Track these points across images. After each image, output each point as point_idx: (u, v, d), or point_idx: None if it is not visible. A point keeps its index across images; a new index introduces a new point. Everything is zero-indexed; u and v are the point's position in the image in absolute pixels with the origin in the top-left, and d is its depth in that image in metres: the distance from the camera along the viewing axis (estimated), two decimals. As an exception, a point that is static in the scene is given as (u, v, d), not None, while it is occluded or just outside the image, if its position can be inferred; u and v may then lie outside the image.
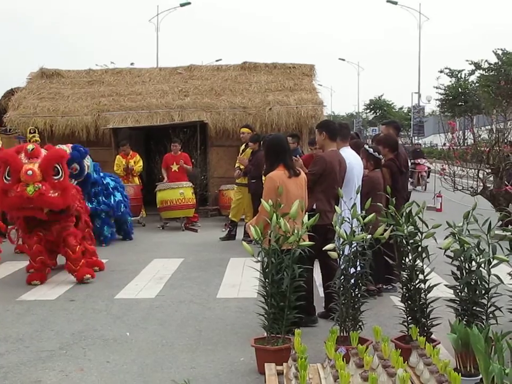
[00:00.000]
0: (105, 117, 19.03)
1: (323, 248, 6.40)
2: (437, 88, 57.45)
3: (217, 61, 45.18)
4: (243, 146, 14.48)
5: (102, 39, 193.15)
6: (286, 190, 6.84)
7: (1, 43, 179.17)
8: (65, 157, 10.15)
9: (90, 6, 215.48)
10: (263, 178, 10.88)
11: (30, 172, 9.37)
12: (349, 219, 6.40)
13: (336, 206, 6.73)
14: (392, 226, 6.28)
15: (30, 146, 9.83)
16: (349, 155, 8.44)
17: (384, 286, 9.02)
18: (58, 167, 9.80)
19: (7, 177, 9.62)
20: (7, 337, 7.32)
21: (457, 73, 56.28)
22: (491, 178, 15.00)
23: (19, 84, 21.47)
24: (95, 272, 10.48)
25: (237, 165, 14.54)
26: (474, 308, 5.97)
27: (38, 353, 6.76)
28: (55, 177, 9.72)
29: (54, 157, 9.88)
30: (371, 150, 8.95)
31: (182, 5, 51.71)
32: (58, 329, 7.61)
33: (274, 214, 6.21)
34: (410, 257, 6.24)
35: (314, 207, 7.58)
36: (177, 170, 16.44)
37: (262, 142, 11.83)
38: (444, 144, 16.44)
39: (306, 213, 6.66)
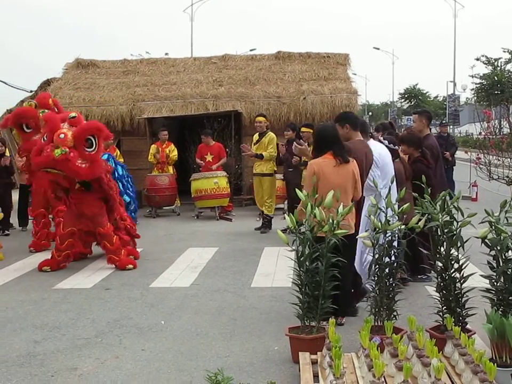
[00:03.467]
0: (140, 107, 19.10)
1: (356, 237, 6.39)
2: (472, 77, 56.78)
3: (251, 50, 45.28)
4: (256, 135, 14.44)
5: (137, 29, 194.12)
6: (325, 178, 6.82)
7: (39, 35, 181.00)
8: (103, 130, 10.10)
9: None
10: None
11: (62, 135, 9.48)
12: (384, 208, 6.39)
13: (371, 197, 6.68)
14: (427, 215, 6.24)
15: (72, 114, 9.96)
16: (377, 147, 8.35)
17: (418, 276, 8.97)
18: (93, 140, 9.81)
19: (45, 138, 9.80)
20: (43, 325, 7.40)
21: (493, 61, 55.52)
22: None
23: (55, 74, 21.70)
24: (129, 260, 10.61)
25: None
26: (510, 297, 5.91)
27: (74, 341, 6.83)
28: (88, 149, 9.74)
29: (89, 127, 9.92)
30: (386, 142, 8.86)
31: (216, -5, 51.77)
32: (94, 318, 7.69)
33: (309, 203, 6.21)
34: (445, 247, 6.21)
35: None
36: (211, 160, 16.42)
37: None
38: (480, 134, 16.31)
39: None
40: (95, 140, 9.86)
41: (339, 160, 7.07)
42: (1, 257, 11.27)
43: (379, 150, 8.24)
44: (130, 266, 10.34)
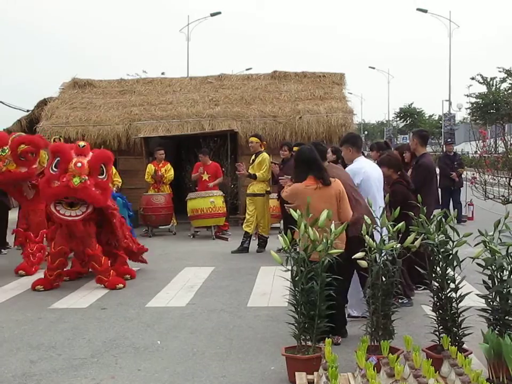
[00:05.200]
0: (136, 126, 19.13)
1: (352, 257, 6.38)
2: (468, 96, 57.08)
3: (247, 70, 45.51)
4: (253, 156, 14.38)
5: (133, 49, 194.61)
6: (305, 203, 6.79)
7: (36, 54, 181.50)
8: (111, 158, 10.58)
9: (122, 18, 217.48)
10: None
11: (79, 164, 9.80)
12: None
13: (365, 216, 6.66)
14: (422, 235, 6.25)
15: (81, 143, 10.26)
16: (364, 164, 8.39)
17: (399, 300, 8.70)
18: (104, 168, 10.20)
19: (54, 168, 9.96)
20: (39, 345, 7.39)
21: (489, 80, 55.83)
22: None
23: (52, 94, 21.72)
24: (126, 280, 10.60)
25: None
26: (506, 317, 5.92)
27: (70, 361, 6.81)
28: (100, 177, 10.12)
29: (101, 156, 10.30)
30: None
31: (212, 15, 51.94)
32: (90, 337, 7.67)
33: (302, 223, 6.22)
34: (441, 266, 6.21)
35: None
36: (207, 179, 16.46)
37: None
38: (475, 152, 16.36)
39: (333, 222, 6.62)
40: (105, 167, 10.22)
41: (320, 183, 7.08)
42: None
43: (365, 167, 8.25)
44: (121, 285, 10.33)
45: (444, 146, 20.12)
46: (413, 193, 8.85)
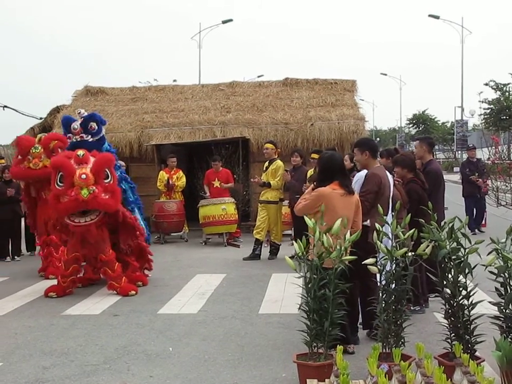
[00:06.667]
0: (148, 134, 19.22)
1: (362, 263, 6.35)
2: (482, 102, 56.74)
3: (259, 77, 45.61)
4: (266, 163, 14.34)
5: (145, 56, 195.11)
6: (333, 209, 6.78)
7: (50, 61, 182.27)
8: (113, 161, 10.49)
9: (134, 25, 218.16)
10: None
11: (84, 176, 9.72)
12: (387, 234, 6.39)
13: (376, 223, 6.64)
14: (434, 242, 6.23)
15: (80, 152, 10.10)
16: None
17: (412, 307, 8.59)
18: (108, 171, 10.15)
19: (59, 183, 9.94)
20: (52, 351, 7.41)
21: (502, 86, 55.47)
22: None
23: (64, 101, 21.83)
24: (138, 287, 10.62)
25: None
26: (519, 325, 5.90)
27: (82, 367, 6.83)
28: (106, 181, 10.07)
29: (103, 161, 10.20)
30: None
31: (224, 22, 52.08)
32: (102, 344, 7.69)
33: (317, 230, 6.22)
34: (453, 274, 6.19)
35: (369, 223, 7.41)
36: (219, 186, 16.49)
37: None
38: (488, 159, 16.31)
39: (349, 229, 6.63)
40: (109, 171, 10.19)
41: (346, 190, 7.06)
42: None
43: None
44: (133, 292, 10.37)
45: (466, 152, 19.78)
46: (433, 199, 8.81)
